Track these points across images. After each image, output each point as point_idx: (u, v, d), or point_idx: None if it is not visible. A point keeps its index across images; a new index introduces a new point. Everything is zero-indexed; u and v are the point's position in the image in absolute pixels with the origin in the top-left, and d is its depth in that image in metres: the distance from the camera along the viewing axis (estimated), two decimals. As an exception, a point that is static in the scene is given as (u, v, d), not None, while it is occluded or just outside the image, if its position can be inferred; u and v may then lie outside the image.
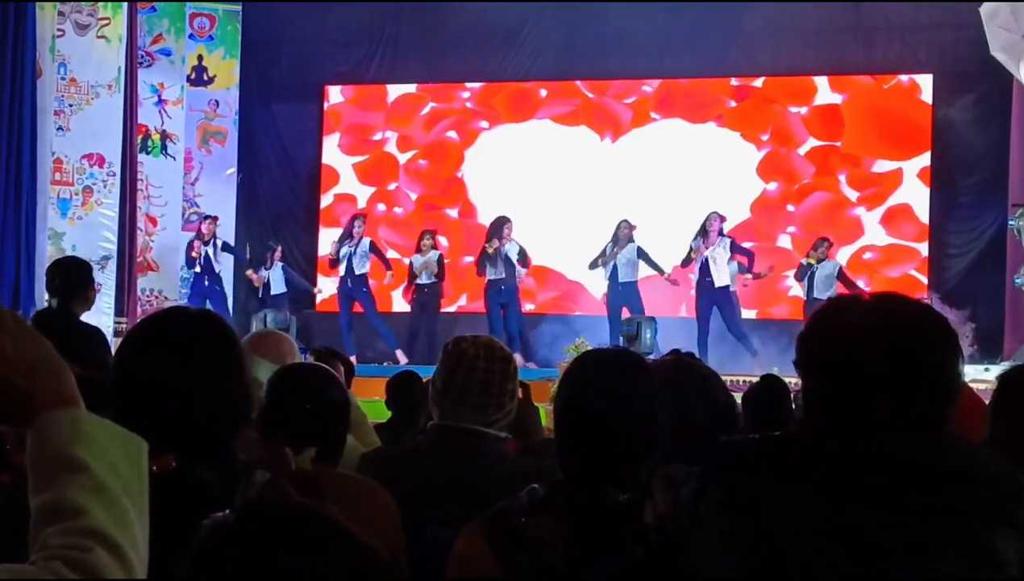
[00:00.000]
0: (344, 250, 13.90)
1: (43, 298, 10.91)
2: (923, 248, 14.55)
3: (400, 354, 13.70)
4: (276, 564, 1.38)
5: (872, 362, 1.98)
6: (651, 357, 4.06)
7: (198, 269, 14.06)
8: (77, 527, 1.32)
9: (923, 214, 14.63)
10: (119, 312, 12.03)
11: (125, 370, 2.22)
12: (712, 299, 13.08)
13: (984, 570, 1.90)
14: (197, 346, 2.20)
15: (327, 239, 15.41)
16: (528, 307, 15.04)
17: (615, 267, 13.39)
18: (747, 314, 14.24)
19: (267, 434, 2.98)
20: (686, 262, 13.37)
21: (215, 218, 14.40)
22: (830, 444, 1.99)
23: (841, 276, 13.16)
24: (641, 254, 13.47)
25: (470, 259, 14.62)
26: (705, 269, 13.11)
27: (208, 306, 13.49)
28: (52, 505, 1.34)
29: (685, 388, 2.87)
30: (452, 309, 15.18)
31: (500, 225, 13.49)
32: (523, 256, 13.62)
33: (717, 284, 13.08)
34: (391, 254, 15.56)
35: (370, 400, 7.67)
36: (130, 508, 1.37)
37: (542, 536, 2.35)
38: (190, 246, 14.15)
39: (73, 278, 5.94)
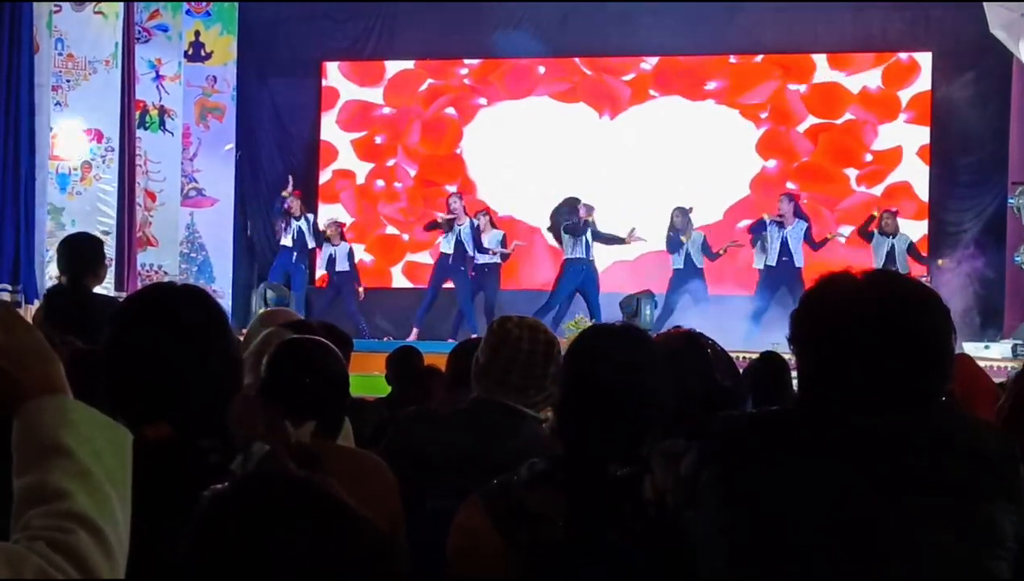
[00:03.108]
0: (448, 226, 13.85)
1: (43, 272, 10.94)
2: (923, 226, 14.52)
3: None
4: (276, 536, 1.38)
5: (866, 337, 1.98)
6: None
7: (289, 242, 14.06)
8: (60, 510, 1.33)
9: (923, 192, 14.61)
10: (118, 287, 12.00)
11: (116, 344, 2.25)
12: (787, 279, 13.01)
13: (983, 544, 1.90)
14: (184, 319, 2.24)
15: (326, 215, 15.38)
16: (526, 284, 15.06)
17: (688, 253, 13.43)
18: (743, 292, 14.27)
19: (267, 407, 2.98)
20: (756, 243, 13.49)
21: (298, 191, 14.40)
22: (827, 420, 1.99)
23: (912, 250, 13.24)
24: (705, 243, 13.54)
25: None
26: (785, 249, 13.14)
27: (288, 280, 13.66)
28: (36, 487, 1.35)
29: (687, 364, 2.86)
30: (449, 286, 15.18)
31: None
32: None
33: (796, 264, 13.10)
34: (390, 230, 15.59)
35: (369, 375, 7.71)
36: (113, 495, 1.38)
37: (542, 510, 2.36)
38: (283, 224, 14.18)
39: (82, 254, 5.94)
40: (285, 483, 1.52)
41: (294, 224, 14.08)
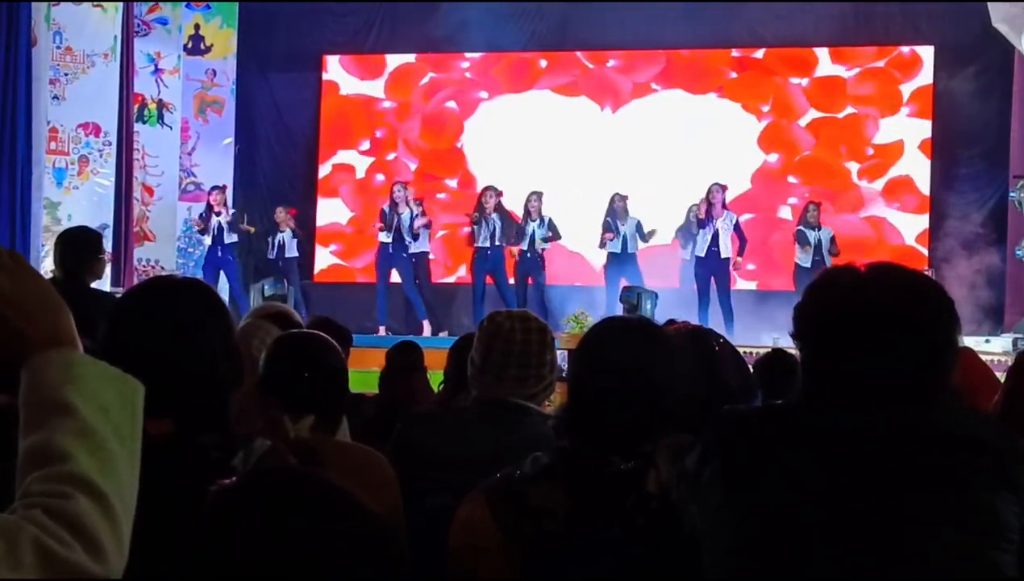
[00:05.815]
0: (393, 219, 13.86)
1: (38, 267, 10.90)
2: (924, 220, 14.53)
3: (427, 324, 13.78)
4: (285, 531, 1.37)
5: (868, 330, 1.96)
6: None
7: (209, 241, 13.97)
8: (60, 473, 1.29)
9: (924, 186, 14.61)
10: (115, 282, 11.98)
11: (114, 340, 2.22)
12: (713, 270, 13.12)
13: (986, 537, 1.89)
14: (184, 313, 2.21)
15: (325, 209, 15.36)
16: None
17: (624, 239, 13.48)
18: (746, 285, 14.26)
19: (266, 402, 2.96)
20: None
21: (223, 187, 14.33)
22: (830, 414, 1.97)
23: (831, 245, 13.30)
24: (640, 228, 13.56)
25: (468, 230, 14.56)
26: (715, 239, 13.19)
27: (221, 278, 13.57)
28: (38, 449, 1.31)
29: (692, 360, 2.84)
30: (451, 279, 15.20)
31: (484, 194, 13.68)
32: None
33: (723, 255, 13.17)
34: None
35: (368, 371, 7.66)
36: (119, 453, 1.34)
37: (543, 504, 2.34)
38: (202, 218, 14.08)
39: (77, 248, 5.89)
40: (293, 478, 1.52)
41: (214, 220, 13.95)
